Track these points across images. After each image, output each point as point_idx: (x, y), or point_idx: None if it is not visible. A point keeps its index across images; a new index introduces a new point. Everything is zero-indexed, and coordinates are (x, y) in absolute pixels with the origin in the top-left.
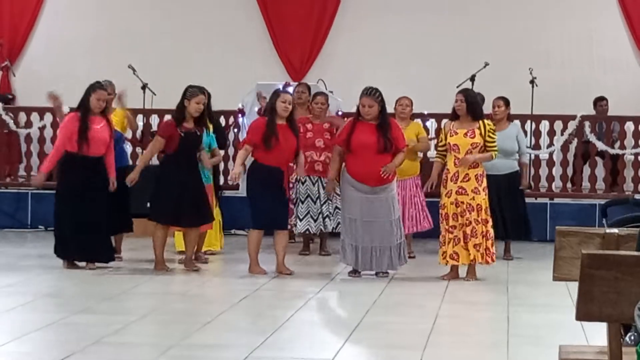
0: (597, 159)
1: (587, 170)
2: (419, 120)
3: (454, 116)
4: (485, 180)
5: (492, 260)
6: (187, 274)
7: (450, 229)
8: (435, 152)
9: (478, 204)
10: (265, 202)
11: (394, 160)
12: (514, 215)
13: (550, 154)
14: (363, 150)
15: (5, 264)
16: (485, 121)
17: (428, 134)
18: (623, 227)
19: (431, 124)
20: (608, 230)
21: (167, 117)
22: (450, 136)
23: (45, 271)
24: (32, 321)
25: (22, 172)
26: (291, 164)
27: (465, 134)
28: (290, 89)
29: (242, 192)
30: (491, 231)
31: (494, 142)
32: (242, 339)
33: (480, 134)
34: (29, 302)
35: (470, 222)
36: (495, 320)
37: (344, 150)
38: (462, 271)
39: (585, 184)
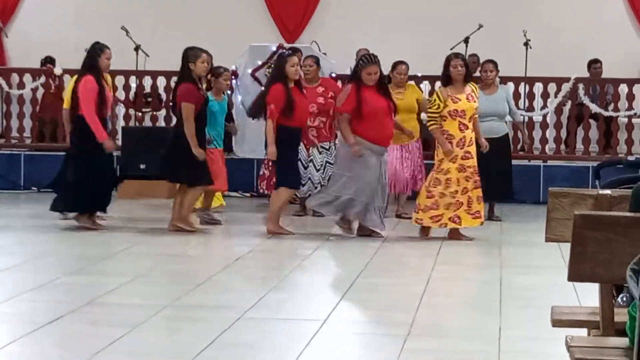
0: (591, 121)
1: (580, 133)
2: (413, 83)
3: (447, 81)
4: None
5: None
6: (181, 235)
7: (453, 193)
8: (427, 117)
9: (476, 168)
10: (294, 161)
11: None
12: (501, 176)
13: (544, 116)
14: (376, 114)
15: None
16: (476, 85)
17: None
18: (616, 188)
19: (424, 86)
20: (601, 191)
21: (161, 78)
22: (454, 102)
23: (38, 232)
24: (26, 281)
25: (14, 134)
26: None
27: (467, 99)
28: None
29: (234, 154)
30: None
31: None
32: (235, 300)
33: (475, 97)
34: (23, 263)
35: (479, 185)
36: (488, 281)
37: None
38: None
39: (579, 146)
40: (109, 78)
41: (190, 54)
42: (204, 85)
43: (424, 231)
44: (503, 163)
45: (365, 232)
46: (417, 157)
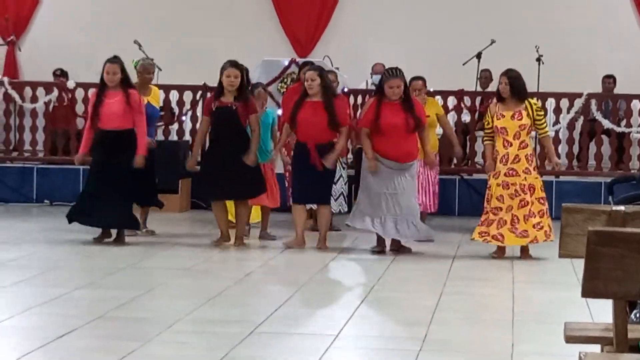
0: (603, 136)
1: (593, 148)
2: (438, 98)
3: (499, 98)
4: (535, 160)
5: (551, 237)
6: (192, 249)
7: (494, 210)
8: (483, 134)
9: (531, 184)
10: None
11: (424, 139)
12: None
13: (557, 132)
14: (393, 131)
15: (11, 238)
16: (532, 100)
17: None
18: (630, 204)
19: (437, 101)
20: (614, 208)
21: (173, 92)
22: (497, 119)
23: (50, 245)
24: (37, 295)
25: (27, 147)
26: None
27: (512, 116)
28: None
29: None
30: (548, 209)
31: (543, 120)
32: (247, 314)
33: (528, 114)
34: (34, 277)
35: (528, 203)
36: (501, 297)
37: (371, 131)
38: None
39: (591, 161)
40: (155, 91)
41: (223, 66)
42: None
43: (499, 252)
44: None
45: (395, 247)
46: (425, 176)
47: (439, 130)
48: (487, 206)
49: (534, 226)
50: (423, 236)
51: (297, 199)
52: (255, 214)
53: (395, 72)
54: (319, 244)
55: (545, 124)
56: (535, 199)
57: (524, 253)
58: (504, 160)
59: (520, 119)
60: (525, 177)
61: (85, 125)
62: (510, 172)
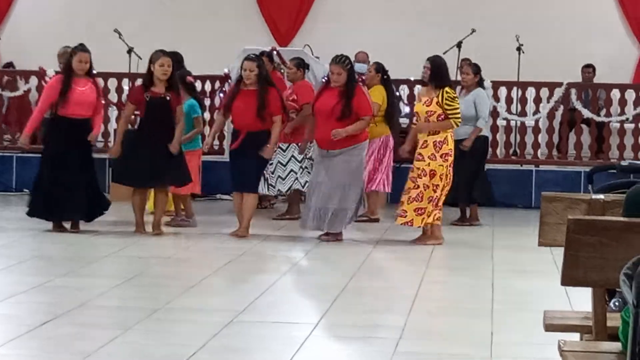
0: (583, 126)
1: (572, 138)
2: (403, 87)
3: (423, 83)
4: (446, 146)
5: (427, 224)
6: (171, 238)
7: (406, 190)
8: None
9: (432, 170)
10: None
11: (348, 127)
12: (464, 180)
13: (536, 121)
14: (322, 115)
15: None
16: (445, 89)
17: (414, 100)
18: (609, 193)
19: (417, 90)
20: (594, 196)
21: None
22: (416, 103)
23: (29, 234)
24: (17, 284)
25: (7, 136)
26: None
27: (424, 102)
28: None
29: (225, 157)
30: (441, 198)
31: (454, 109)
32: (226, 304)
33: (437, 102)
34: (13, 265)
35: (419, 187)
36: (480, 286)
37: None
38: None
39: (571, 151)
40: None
41: (153, 55)
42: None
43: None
44: (469, 166)
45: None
46: (379, 155)
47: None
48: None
49: (415, 210)
50: (333, 229)
51: (232, 187)
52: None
53: (338, 59)
54: (238, 231)
55: (456, 114)
56: (431, 184)
57: (421, 238)
58: (417, 145)
59: (429, 106)
60: (429, 163)
61: (38, 106)
62: (418, 156)
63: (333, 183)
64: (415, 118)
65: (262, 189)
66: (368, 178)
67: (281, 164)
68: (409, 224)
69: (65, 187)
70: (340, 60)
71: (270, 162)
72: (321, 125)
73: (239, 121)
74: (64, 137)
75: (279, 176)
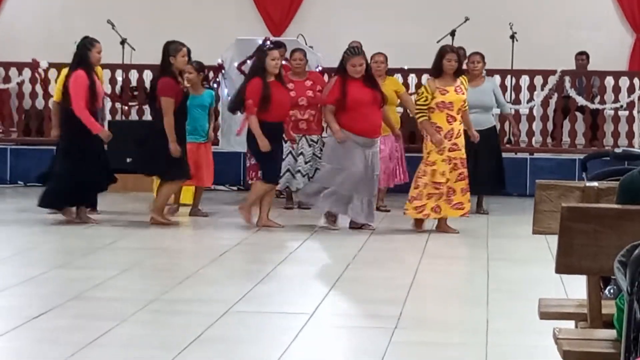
0: (577, 113)
1: (567, 125)
2: (397, 76)
3: (437, 74)
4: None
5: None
6: (167, 229)
7: (436, 185)
8: (416, 109)
9: (462, 159)
10: (274, 156)
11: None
12: (488, 169)
13: (531, 109)
14: (361, 106)
15: None
16: (463, 76)
17: (408, 89)
18: (603, 180)
19: (412, 79)
20: (588, 184)
21: (147, 72)
22: (442, 94)
23: (24, 226)
24: (12, 276)
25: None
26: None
27: (455, 91)
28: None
29: (221, 147)
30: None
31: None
32: (222, 293)
33: (464, 90)
34: (9, 257)
35: (465, 177)
36: (475, 274)
37: (336, 109)
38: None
39: (565, 138)
40: (100, 71)
41: (171, 48)
42: (184, 80)
43: (417, 224)
44: (490, 155)
45: (357, 225)
46: (395, 150)
47: (399, 108)
48: (421, 181)
49: (469, 201)
50: (364, 218)
51: (273, 179)
52: (187, 196)
53: (356, 51)
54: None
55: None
56: (464, 175)
57: (441, 224)
58: (448, 136)
59: (463, 94)
60: (463, 152)
61: (82, 106)
62: (454, 146)
63: (372, 173)
64: (439, 109)
65: (300, 183)
66: (391, 174)
67: (317, 156)
68: (467, 215)
69: (91, 177)
70: (360, 52)
71: (300, 153)
72: (367, 115)
73: (282, 113)
74: (87, 129)
75: (317, 168)
